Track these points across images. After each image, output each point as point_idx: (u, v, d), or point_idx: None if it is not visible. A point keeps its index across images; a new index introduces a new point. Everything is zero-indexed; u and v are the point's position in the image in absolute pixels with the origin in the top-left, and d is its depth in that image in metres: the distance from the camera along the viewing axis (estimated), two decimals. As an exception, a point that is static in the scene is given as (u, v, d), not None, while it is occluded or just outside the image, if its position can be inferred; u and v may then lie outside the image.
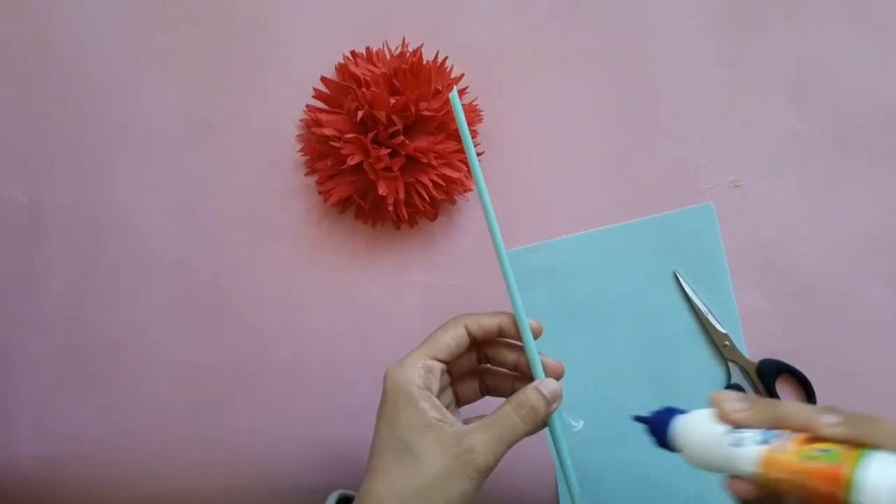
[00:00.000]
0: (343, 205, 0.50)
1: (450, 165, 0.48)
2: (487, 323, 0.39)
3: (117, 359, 0.51)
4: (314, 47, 0.50)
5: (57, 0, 0.51)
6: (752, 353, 0.50)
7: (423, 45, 0.48)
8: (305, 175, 0.51)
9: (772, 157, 0.51)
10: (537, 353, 0.39)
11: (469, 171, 0.49)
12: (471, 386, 0.42)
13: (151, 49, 0.51)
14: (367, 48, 0.49)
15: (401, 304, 0.51)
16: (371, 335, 0.51)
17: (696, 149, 0.51)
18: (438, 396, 0.38)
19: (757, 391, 0.49)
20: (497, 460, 0.36)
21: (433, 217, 0.50)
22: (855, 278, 0.50)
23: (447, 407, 0.38)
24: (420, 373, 0.37)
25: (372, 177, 0.47)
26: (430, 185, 0.47)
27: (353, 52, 0.49)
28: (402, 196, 0.47)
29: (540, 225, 0.51)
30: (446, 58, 0.49)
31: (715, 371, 0.50)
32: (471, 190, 0.50)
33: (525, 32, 0.51)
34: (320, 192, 0.50)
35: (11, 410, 0.51)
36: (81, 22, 0.51)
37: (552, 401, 0.37)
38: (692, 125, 0.51)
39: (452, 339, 0.38)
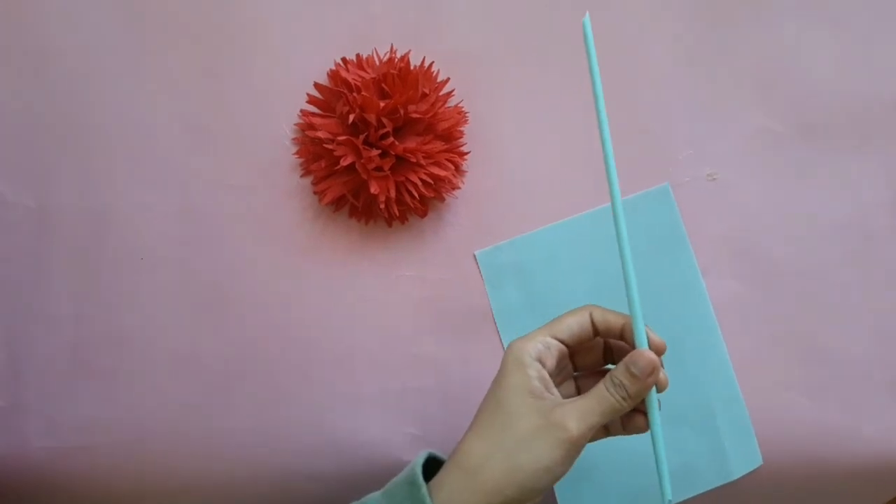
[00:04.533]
0: (337, 204, 0.51)
1: (438, 164, 0.50)
2: (612, 319, 0.39)
3: (122, 353, 0.52)
4: (307, 55, 0.52)
5: (57, 11, 0.52)
6: (729, 338, 0.52)
7: (410, 51, 0.50)
8: (301, 176, 0.52)
9: (743, 151, 0.53)
10: (643, 323, 0.37)
11: (456, 169, 0.51)
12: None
13: (151, 57, 0.52)
14: (358, 55, 0.51)
15: (393, 296, 0.52)
16: (365, 326, 0.52)
17: (673, 144, 0.53)
18: (558, 387, 0.38)
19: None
20: (589, 430, 0.35)
21: (423, 214, 0.52)
22: (824, 263, 0.52)
23: (564, 395, 0.38)
24: (537, 346, 0.37)
25: (364, 177, 0.48)
26: (419, 183, 0.49)
27: (344, 59, 0.51)
28: (392, 194, 0.49)
29: (523, 221, 0.52)
30: (432, 63, 0.50)
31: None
32: (458, 187, 0.52)
33: (505, 37, 0.52)
34: (315, 192, 0.51)
35: (23, 404, 0.52)
36: (81, 32, 0.52)
37: (643, 377, 0.36)
38: (668, 121, 0.53)
39: (576, 322, 0.38)
